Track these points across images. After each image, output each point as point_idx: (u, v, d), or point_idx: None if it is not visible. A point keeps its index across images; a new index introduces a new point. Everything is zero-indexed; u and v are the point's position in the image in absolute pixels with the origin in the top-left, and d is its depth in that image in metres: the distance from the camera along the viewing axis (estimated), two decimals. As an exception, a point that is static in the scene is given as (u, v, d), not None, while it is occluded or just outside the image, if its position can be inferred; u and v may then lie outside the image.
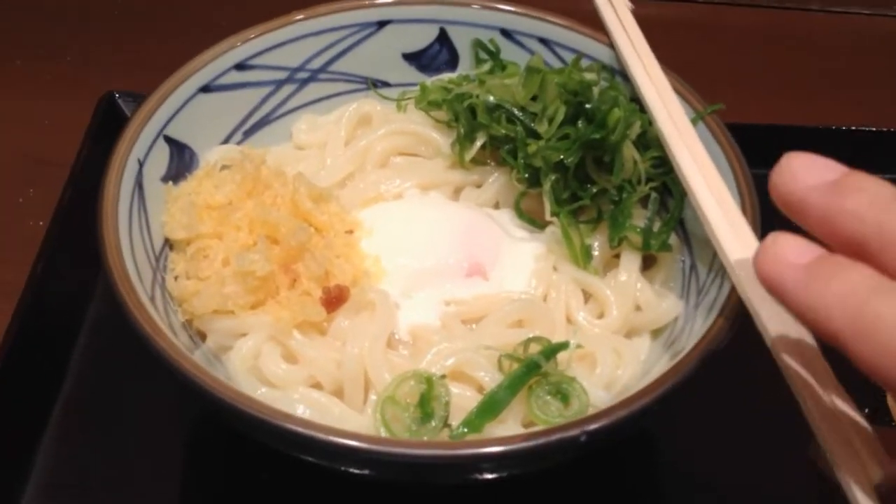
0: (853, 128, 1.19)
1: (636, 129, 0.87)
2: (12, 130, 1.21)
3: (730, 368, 0.79)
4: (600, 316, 0.86)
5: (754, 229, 0.77)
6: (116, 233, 0.77)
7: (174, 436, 0.91)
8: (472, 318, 0.84)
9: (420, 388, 0.75)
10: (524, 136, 0.88)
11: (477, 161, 0.93)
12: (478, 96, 0.91)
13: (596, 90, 0.89)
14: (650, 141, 0.88)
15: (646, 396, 0.70)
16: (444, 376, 0.77)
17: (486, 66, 0.99)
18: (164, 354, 0.70)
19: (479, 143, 0.92)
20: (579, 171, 0.87)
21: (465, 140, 0.92)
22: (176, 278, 0.83)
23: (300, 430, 0.67)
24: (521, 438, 0.67)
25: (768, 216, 0.80)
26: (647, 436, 0.93)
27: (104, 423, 0.91)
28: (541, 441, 0.67)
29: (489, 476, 0.72)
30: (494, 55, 0.99)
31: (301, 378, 0.78)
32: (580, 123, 0.87)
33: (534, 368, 0.77)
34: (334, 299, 0.79)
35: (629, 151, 0.87)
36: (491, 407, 0.75)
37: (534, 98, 0.90)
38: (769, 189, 0.57)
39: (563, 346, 0.80)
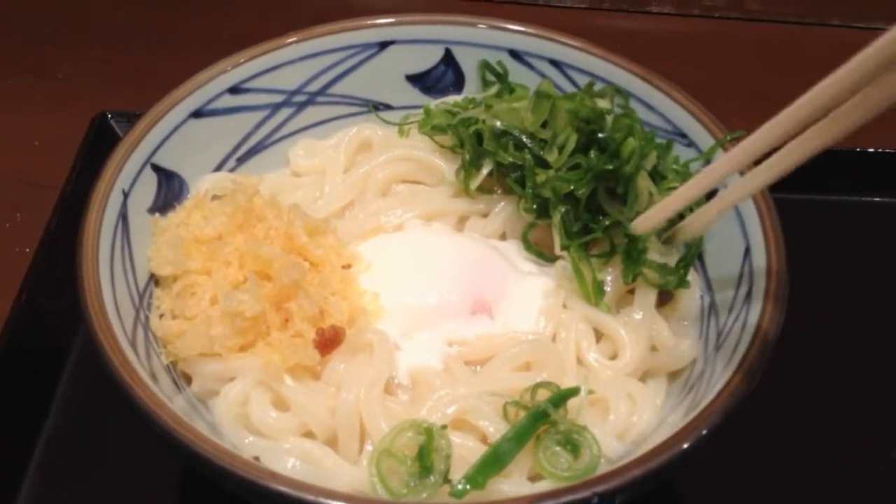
0: (881, 150, 1.13)
1: (652, 160, 0.81)
2: (1, 152, 1.17)
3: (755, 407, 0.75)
4: (613, 357, 0.81)
5: (777, 256, 0.75)
6: (96, 270, 0.73)
7: (161, 478, 0.85)
8: (476, 360, 0.79)
9: (419, 439, 0.70)
10: (532, 164, 0.83)
11: (483, 189, 0.88)
12: (484, 121, 0.86)
13: (609, 118, 0.83)
14: (666, 171, 0.83)
15: (663, 453, 0.65)
16: (444, 426, 0.71)
17: (494, 89, 0.94)
18: (139, 404, 0.65)
19: (485, 171, 0.87)
20: (591, 202, 0.82)
21: (470, 167, 0.87)
22: (161, 317, 0.78)
23: (288, 491, 0.62)
24: (526, 501, 0.62)
25: (790, 239, 0.77)
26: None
27: (89, 463, 0.86)
28: None
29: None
30: (502, 77, 0.94)
31: (292, 427, 0.73)
32: (592, 153, 0.81)
33: (541, 418, 0.72)
34: (329, 341, 0.74)
35: (644, 183, 0.81)
36: (495, 460, 0.70)
37: (543, 124, 0.85)
38: None
39: (573, 392, 0.74)
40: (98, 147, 1.05)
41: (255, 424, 0.73)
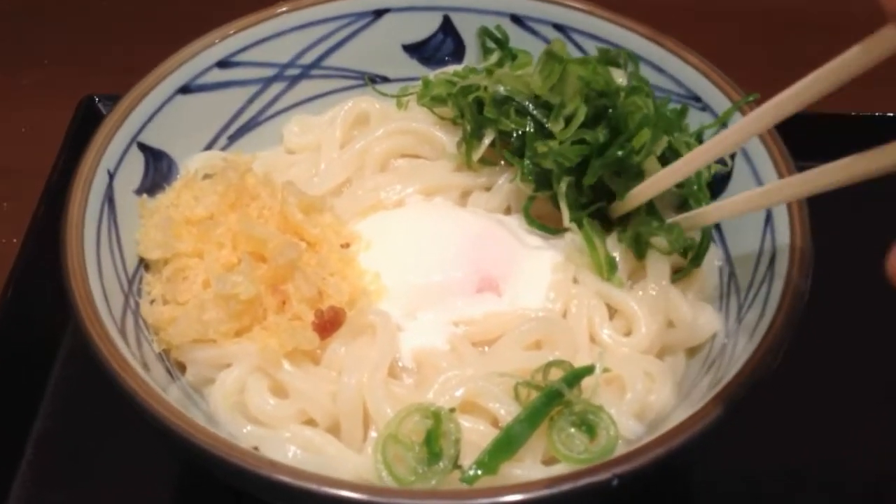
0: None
1: (663, 144, 0.77)
2: (-14, 140, 1.13)
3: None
4: (628, 333, 0.77)
5: (800, 222, 0.72)
6: (81, 254, 0.69)
7: (156, 475, 0.81)
8: (484, 340, 0.75)
9: (426, 423, 0.66)
10: (534, 132, 0.79)
11: (486, 161, 0.84)
12: (486, 88, 0.82)
13: (623, 94, 0.79)
14: (679, 146, 0.79)
15: (686, 431, 0.61)
16: (453, 409, 0.67)
17: (494, 57, 0.90)
18: (130, 394, 0.61)
19: (487, 141, 0.83)
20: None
21: (471, 138, 0.83)
22: (152, 303, 0.74)
23: (289, 480, 0.58)
24: (543, 485, 0.58)
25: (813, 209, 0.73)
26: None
27: (81, 463, 0.82)
28: (566, 487, 0.58)
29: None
30: (503, 43, 0.90)
31: (292, 414, 0.69)
32: (600, 130, 0.77)
33: (555, 398, 0.68)
34: (328, 323, 0.70)
35: (652, 167, 0.77)
36: (507, 444, 0.66)
37: (551, 88, 0.80)
38: None
39: (588, 370, 0.70)
40: (85, 132, 1.00)
41: (253, 412, 0.70)
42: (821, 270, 0.71)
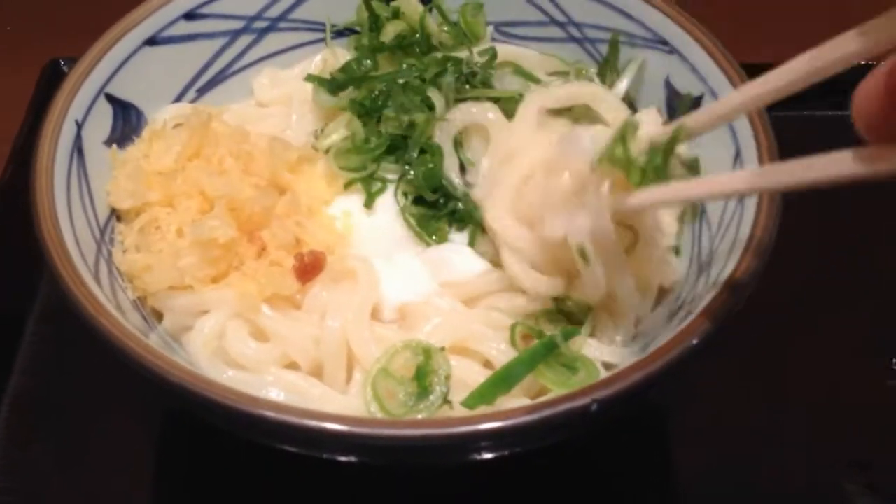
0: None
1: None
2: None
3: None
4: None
5: (769, 160, 0.71)
6: (52, 200, 0.68)
7: (139, 432, 0.81)
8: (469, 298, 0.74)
9: (417, 360, 0.67)
10: None
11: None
12: None
13: None
14: None
15: (662, 357, 0.61)
16: (443, 348, 0.68)
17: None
18: (107, 334, 0.61)
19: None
20: None
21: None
22: (125, 252, 0.73)
23: (271, 414, 0.58)
24: (523, 412, 0.59)
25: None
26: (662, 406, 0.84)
27: (58, 421, 0.81)
28: (546, 413, 0.59)
29: (490, 455, 0.63)
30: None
31: (273, 358, 0.69)
32: None
33: (552, 348, 0.68)
34: (309, 267, 0.70)
35: None
36: (504, 380, 0.67)
37: None
38: None
39: (575, 331, 0.71)
40: (51, 96, 0.99)
41: (234, 357, 0.69)
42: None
